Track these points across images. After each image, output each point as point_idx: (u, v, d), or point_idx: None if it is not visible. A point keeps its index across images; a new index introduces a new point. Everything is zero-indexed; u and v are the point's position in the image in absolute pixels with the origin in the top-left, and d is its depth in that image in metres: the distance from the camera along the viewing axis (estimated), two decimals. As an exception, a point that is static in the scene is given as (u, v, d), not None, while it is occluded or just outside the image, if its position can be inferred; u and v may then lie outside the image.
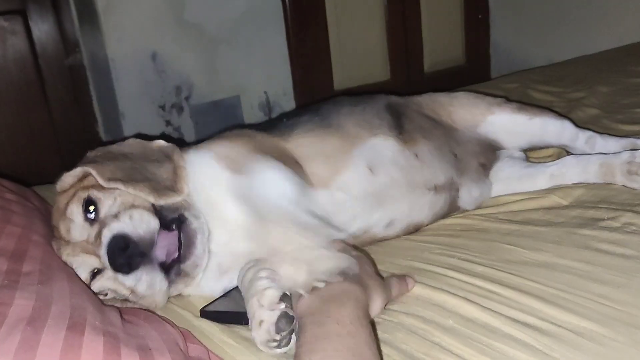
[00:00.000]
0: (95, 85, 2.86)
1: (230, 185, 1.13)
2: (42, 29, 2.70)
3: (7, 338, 0.73)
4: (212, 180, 1.15)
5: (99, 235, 1.03)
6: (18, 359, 0.70)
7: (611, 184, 1.32)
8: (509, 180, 1.46)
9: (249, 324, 0.94)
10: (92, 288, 1.07)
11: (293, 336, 0.92)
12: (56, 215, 1.14)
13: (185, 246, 1.07)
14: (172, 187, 1.11)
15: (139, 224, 1.03)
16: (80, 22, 2.78)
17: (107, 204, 1.08)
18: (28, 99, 2.69)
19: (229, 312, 1.03)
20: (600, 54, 2.81)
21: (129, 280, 1.02)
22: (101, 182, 1.08)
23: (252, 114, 3.14)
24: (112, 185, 1.08)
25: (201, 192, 1.14)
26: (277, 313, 0.91)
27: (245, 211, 1.10)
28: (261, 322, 0.91)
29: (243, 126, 1.39)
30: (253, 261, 1.07)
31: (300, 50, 3.27)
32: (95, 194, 1.09)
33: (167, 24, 2.83)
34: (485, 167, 1.48)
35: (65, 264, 1.06)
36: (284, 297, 0.94)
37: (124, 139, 1.25)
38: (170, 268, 1.06)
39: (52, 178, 1.93)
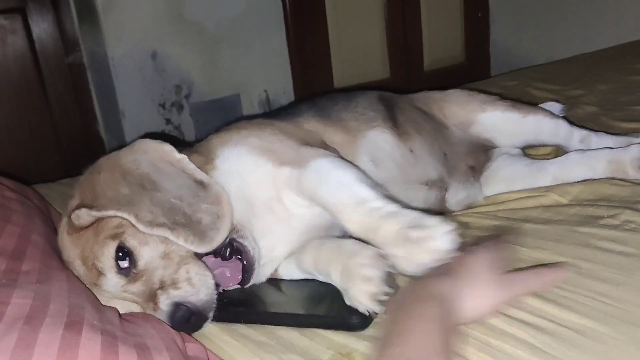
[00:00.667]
0: (95, 84, 2.86)
1: (290, 178, 1.08)
2: (42, 27, 2.70)
3: (4, 336, 0.73)
4: (254, 184, 1.10)
5: (152, 297, 0.97)
6: (15, 357, 0.70)
7: (611, 179, 1.32)
8: (511, 179, 1.44)
9: (346, 284, 0.95)
10: None
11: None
12: (74, 256, 1.01)
13: (249, 270, 1.04)
14: (216, 224, 1.01)
15: (200, 287, 0.98)
16: (80, 20, 2.78)
17: (146, 254, 0.99)
18: (28, 97, 2.69)
19: (229, 311, 1.04)
20: (600, 52, 2.81)
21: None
22: (141, 228, 0.96)
23: (252, 112, 3.14)
24: (157, 232, 0.97)
25: (241, 213, 1.08)
26: (383, 267, 0.92)
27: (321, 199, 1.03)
28: (369, 278, 0.92)
29: (245, 118, 1.36)
30: (316, 241, 1.07)
31: (300, 49, 3.27)
32: (129, 241, 0.98)
33: (167, 23, 2.83)
34: (475, 170, 1.47)
35: (64, 264, 1.05)
36: (383, 257, 0.93)
37: (130, 142, 1.11)
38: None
39: (52, 176, 1.94)
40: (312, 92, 3.23)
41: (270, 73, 3.19)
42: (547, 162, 1.43)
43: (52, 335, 0.74)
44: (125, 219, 0.97)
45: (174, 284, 0.97)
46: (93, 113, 2.87)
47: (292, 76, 3.27)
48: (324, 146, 1.20)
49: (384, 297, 0.91)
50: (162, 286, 0.97)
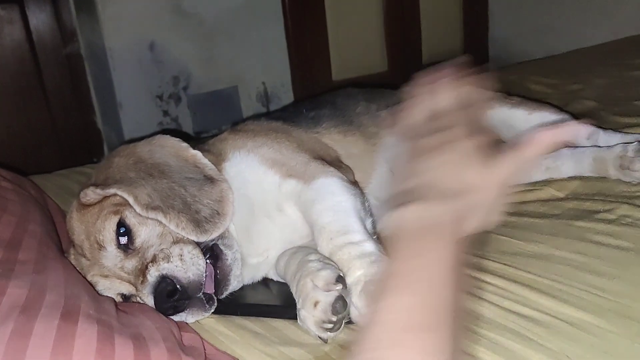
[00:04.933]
0: (93, 75, 2.85)
1: (294, 192, 1.10)
2: (39, 18, 2.69)
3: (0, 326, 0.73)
4: (259, 189, 1.11)
5: (143, 271, 0.98)
6: (10, 347, 0.70)
7: (606, 177, 1.32)
8: None
9: (299, 304, 0.94)
10: None
11: (343, 323, 0.91)
12: (79, 232, 1.05)
13: (221, 281, 1.03)
14: (215, 217, 1.04)
15: (190, 266, 0.98)
16: (77, 11, 2.77)
17: (143, 233, 1.01)
18: (25, 88, 2.68)
19: (225, 304, 1.04)
20: (598, 46, 2.81)
21: (174, 318, 0.98)
22: (138, 209, 1.00)
23: (249, 104, 3.14)
24: (151, 215, 1.00)
25: (246, 204, 1.09)
26: (334, 294, 0.90)
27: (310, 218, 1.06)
28: (317, 302, 0.90)
29: (265, 116, 1.36)
30: (295, 248, 1.08)
31: (299, 41, 3.26)
32: (129, 218, 1.01)
33: (165, 14, 2.82)
34: None
35: (61, 254, 1.06)
36: (340, 279, 0.92)
37: (153, 134, 1.15)
38: (208, 297, 1.02)
39: (49, 167, 1.94)
40: (310, 85, 3.23)
41: (269, 65, 3.18)
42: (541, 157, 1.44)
43: (48, 325, 0.74)
44: (125, 199, 1.01)
45: (166, 257, 0.98)
46: (90, 104, 2.87)
47: (291, 69, 3.27)
48: (338, 163, 1.21)
49: (328, 326, 0.90)
50: (154, 260, 0.98)
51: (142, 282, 0.97)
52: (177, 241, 1.00)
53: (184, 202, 1.03)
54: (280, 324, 0.97)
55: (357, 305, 0.90)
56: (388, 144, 1.30)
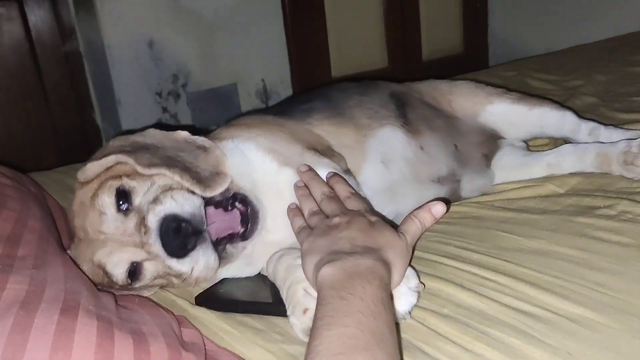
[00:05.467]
0: (92, 72, 2.84)
1: (281, 177, 1.12)
2: (38, 15, 2.69)
3: (0, 321, 0.73)
4: (259, 171, 1.12)
5: (142, 222, 0.97)
6: (11, 341, 0.70)
7: (607, 173, 1.32)
8: (507, 168, 1.45)
9: (289, 310, 0.94)
10: (135, 286, 1.03)
11: None
12: (79, 211, 1.05)
13: (252, 218, 1.04)
14: (215, 176, 1.05)
15: (184, 202, 0.97)
16: (76, 8, 2.76)
17: (141, 192, 1.01)
18: (24, 85, 2.67)
19: (225, 300, 1.04)
20: (598, 43, 2.81)
21: (185, 265, 0.97)
22: (139, 169, 1.02)
23: (249, 101, 3.13)
24: (154, 171, 1.02)
25: (244, 182, 1.09)
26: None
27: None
28: (306, 310, 0.90)
29: (257, 112, 1.37)
30: (282, 250, 1.07)
31: (298, 38, 3.26)
32: (128, 182, 1.01)
33: (164, 11, 2.81)
34: (488, 158, 1.48)
35: (61, 249, 1.05)
36: None
37: (143, 129, 1.18)
38: (218, 245, 1.02)
39: (48, 165, 1.94)
40: (309, 82, 3.22)
41: (268, 62, 3.18)
42: (542, 153, 1.44)
43: (48, 320, 0.74)
44: (126, 163, 1.03)
45: (158, 201, 0.97)
46: (89, 101, 2.86)
47: (290, 66, 3.26)
48: (331, 152, 1.22)
49: None
50: (149, 210, 0.97)
51: (145, 232, 0.96)
52: (166, 191, 1.00)
53: (184, 165, 1.05)
54: (281, 321, 0.97)
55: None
56: (379, 135, 1.30)
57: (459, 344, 0.84)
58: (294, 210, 1.09)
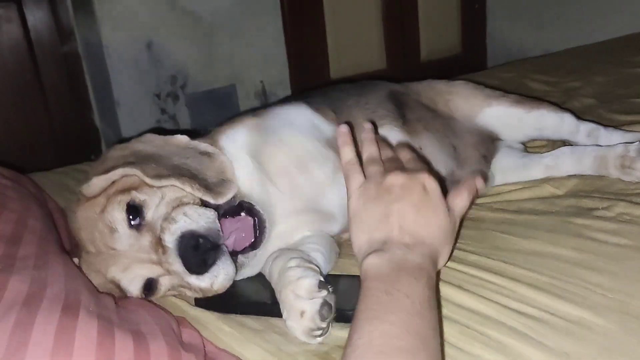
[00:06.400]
0: (91, 74, 2.84)
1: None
2: (37, 16, 2.69)
3: (2, 319, 0.73)
4: (268, 158, 1.12)
5: (158, 242, 0.96)
6: (13, 340, 0.70)
7: (604, 174, 1.32)
8: (505, 170, 1.45)
9: (284, 314, 0.93)
10: (152, 296, 1.02)
11: (330, 326, 0.92)
12: (86, 226, 1.02)
13: (260, 228, 1.03)
14: (223, 183, 1.05)
15: (198, 217, 0.97)
16: (75, 9, 2.76)
17: (152, 205, 1.00)
18: (23, 87, 2.67)
19: (224, 301, 1.03)
20: (597, 44, 2.81)
21: (205, 280, 0.97)
22: (148, 181, 1.00)
23: (248, 103, 3.13)
24: (163, 182, 1.00)
25: (247, 188, 1.09)
26: (319, 301, 0.90)
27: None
28: (303, 312, 0.90)
29: (249, 112, 1.37)
30: (278, 251, 1.07)
31: (297, 39, 3.26)
32: (138, 196, 1.00)
33: (163, 12, 2.81)
34: (487, 159, 1.48)
35: (61, 249, 1.05)
36: (321, 284, 0.92)
37: (140, 134, 1.16)
38: (233, 256, 1.01)
39: (47, 166, 1.94)
40: (308, 83, 3.23)
41: (267, 64, 3.18)
42: (540, 155, 1.44)
43: (49, 318, 0.75)
44: (133, 175, 1.01)
45: (172, 220, 0.96)
46: (88, 102, 2.86)
47: (289, 67, 3.26)
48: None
49: (317, 332, 0.90)
50: (163, 229, 0.96)
51: (164, 252, 0.96)
52: (177, 206, 0.99)
53: (191, 173, 1.04)
54: (280, 322, 0.97)
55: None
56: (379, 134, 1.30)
57: (456, 345, 0.84)
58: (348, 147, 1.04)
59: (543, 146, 1.58)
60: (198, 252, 0.94)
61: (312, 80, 3.27)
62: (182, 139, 1.13)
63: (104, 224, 0.99)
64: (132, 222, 0.99)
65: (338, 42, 3.47)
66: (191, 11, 2.89)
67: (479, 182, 0.99)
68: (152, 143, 1.12)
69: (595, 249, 1.02)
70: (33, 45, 2.68)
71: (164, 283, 1.01)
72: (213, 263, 0.96)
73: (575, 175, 1.35)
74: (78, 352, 0.71)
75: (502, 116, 1.49)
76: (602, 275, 0.94)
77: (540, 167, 1.41)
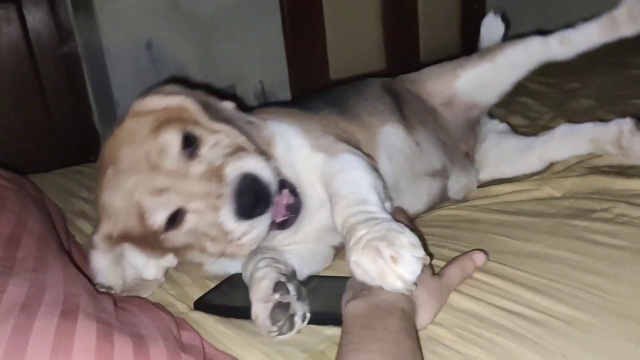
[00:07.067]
0: (90, 74, 2.84)
1: (320, 166, 1.09)
2: (37, 16, 2.68)
3: (0, 324, 0.73)
4: (302, 158, 1.10)
5: (214, 174, 0.93)
6: (11, 344, 0.70)
7: (603, 174, 1.32)
8: (500, 162, 1.46)
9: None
10: (162, 236, 0.98)
11: (296, 318, 0.92)
12: (128, 140, 0.99)
13: (297, 208, 1.01)
14: (267, 151, 1.03)
15: (263, 166, 0.95)
16: (74, 10, 2.76)
17: (209, 143, 0.97)
18: (22, 87, 2.67)
19: (223, 305, 1.04)
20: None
21: (241, 227, 0.93)
22: (206, 120, 0.99)
23: (247, 103, 3.14)
24: (220, 126, 0.99)
25: (287, 171, 1.07)
26: (269, 305, 0.91)
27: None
28: (256, 317, 0.92)
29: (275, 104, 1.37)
30: (254, 251, 1.06)
31: (296, 40, 3.26)
32: (194, 129, 0.97)
33: (163, 12, 2.81)
34: (469, 156, 1.48)
35: (61, 251, 1.05)
36: (278, 285, 0.93)
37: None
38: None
39: (46, 167, 1.94)
40: (307, 83, 3.22)
41: (266, 64, 3.18)
42: (532, 140, 1.45)
43: (48, 323, 0.75)
44: (188, 109, 1.00)
45: (240, 158, 0.94)
46: (88, 103, 2.86)
47: (288, 67, 3.26)
48: (354, 144, 1.21)
49: (274, 334, 0.91)
50: (226, 162, 0.94)
51: (218, 182, 0.92)
52: (238, 151, 0.97)
53: (242, 129, 1.02)
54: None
55: (358, 261, 0.87)
56: (384, 132, 1.30)
57: (453, 348, 0.84)
58: None
59: (525, 126, 1.59)
60: (254, 196, 0.92)
61: (311, 80, 3.27)
62: (230, 104, 1.12)
63: (153, 142, 0.96)
64: (186, 149, 0.96)
65: (337, 43, 3.47)
66: (191, 11, 2.88)
67: (477, 257, 1.00)
68: (204, 95, 1.11)
69: (593, 251, 1.02)
70: (32, 46, 2.68)
71: (191, 220, 0.97)
72: (261, 213, 0.94)
73: (573, 175, 1.35)
74: (77, 357, 0.72)
75: (474, 79, 1.47)
76: (600, 277, 0.95)
77: (534, 154, 1.42)
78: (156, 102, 1.01)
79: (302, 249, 1.12)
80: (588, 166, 1.38)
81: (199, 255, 1.05)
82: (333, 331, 0.93)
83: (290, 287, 0.94)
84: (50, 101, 2.73)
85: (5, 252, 0.93)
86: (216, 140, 0.99)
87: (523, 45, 1.46)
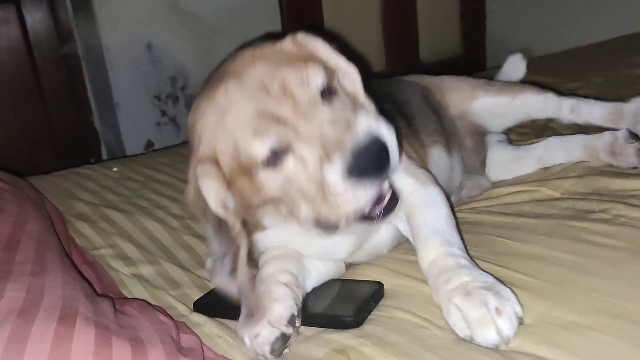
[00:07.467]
0: (90, 75, 2.84)
1: (408, 192, 1.05)
2: (36, 17, 2.68)
3: None
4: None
5: (346, 122, 0.86)
6: (8, 351, 0.70)
7: (601, 174, 1.33)
8: (500, 166, 1.49)
9: (243, 314, 0.93)
10: (269, 169, 0.90)
11: (286, 350, 0.91)
12: (260, 58, 0.95)
13: (391, 207, 0.94)
14: None
15: (394, 142, 0.89)
16: (74, 10, 2.76)
17: (342, 99, 0.93)
18: (22, 88, 2.67)
19: (222, 307, 1.03)
20: (596, 45, 2.81)
21: (346, 187, 0.86)
22: (362, 91, 0.99)
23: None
24: (369, 102, 0.99)
25: None
26: (275, 332, 0.90)
27: None
28: (257, 335, 0.90)
29: None
30: (280, 250, 1.05)
31: (296, 40, 3.26)
32: (336, 84, 0.94)
33: (163, 13, 2.81)
34: (483, 164, 1.51)
35: (60, 254, 1.05)
36: (291, 319, 0.92)
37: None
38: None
39: (46, 168, 1.94)
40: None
41: (266, 64, 3.18)
42: (531, 147, 1.49)
43: (46, 329, 0.75)
44: (328, 67, 0.97)
45: (376, 119, 0.90)
46: (87, 104, 2.86)
47: (288, 68, 3.26)
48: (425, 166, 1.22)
49: (261, 357, 0.90)
50: (357, 118, 0.88)
51: (346, 128, 0.86)
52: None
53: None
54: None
55: (462, 306, 0.86)
56: (434, 155, 1.34)
57: (454, 350, 0.84)
58: None
59: (525, 133, 1.62)
60: (375, 162, 0.87)
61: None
62: None
63: (299, 70, 0.91)
64: (324, 92, 0.91)
65: (337, 43, 3.47)
66: (191, 12, 2.88)
67: None
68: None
69: (592, 253, 1.02)
70: (32, 47, 2.68)
71: (291, 165, 0.89)
72: (372, 182, 0.87)
73: (572, 175, 1.36)
74: (75, 361, 0.72)
75: (491, 107, 1.53)
76: (598, 278, 0.95)
77: (532, 160, 1.45)
78: (323, 50, 1.00)
79: (323, 266, 1.11)
80: (586, 166, 1.39)
81: (282, 217, 0.97)
82: (333, 337, 0.92)
83: (297, 322, 0.94)
84: (49, 102, 2.73)
85: (3, 255, 0.93)
86: (349, 101, 0.96)
87: (542, 97, 1.52)
